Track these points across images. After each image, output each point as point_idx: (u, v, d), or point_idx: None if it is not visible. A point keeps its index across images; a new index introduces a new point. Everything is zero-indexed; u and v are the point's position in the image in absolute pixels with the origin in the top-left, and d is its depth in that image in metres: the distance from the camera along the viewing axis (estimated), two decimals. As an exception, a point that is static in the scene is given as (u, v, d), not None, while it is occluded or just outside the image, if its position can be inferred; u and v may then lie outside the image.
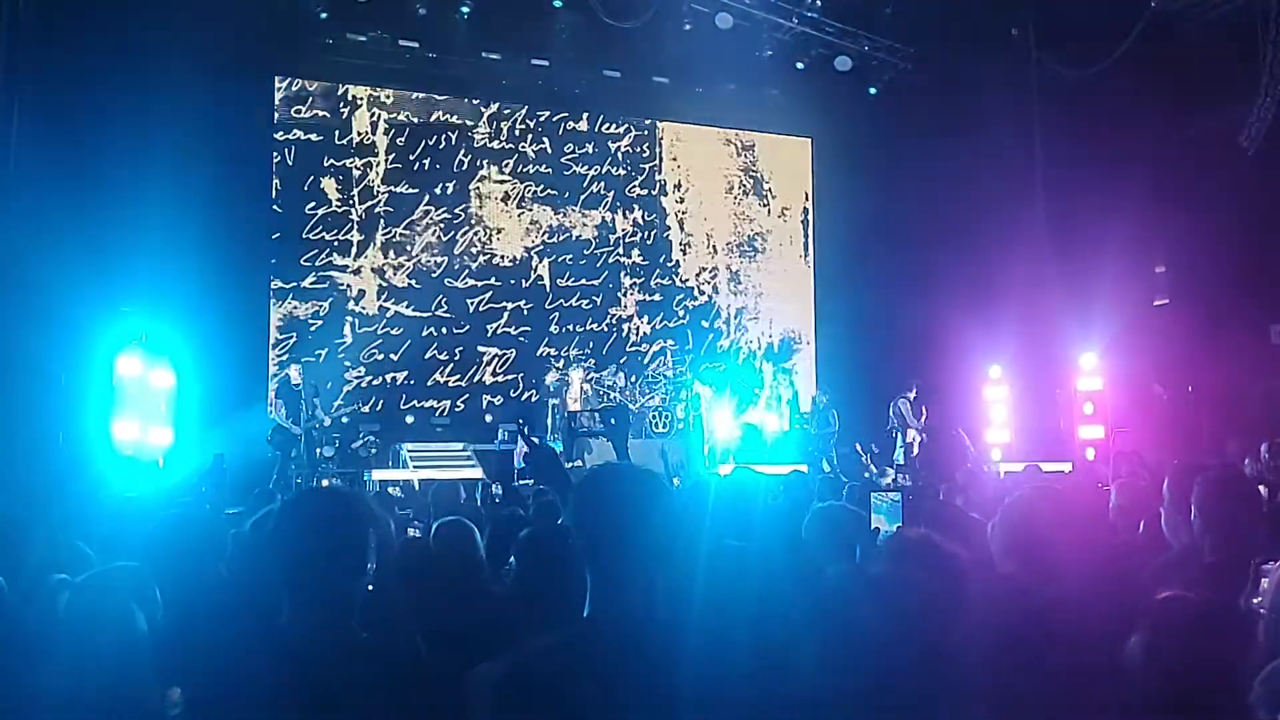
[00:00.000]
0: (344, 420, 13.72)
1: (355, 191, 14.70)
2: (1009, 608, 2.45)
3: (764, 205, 17.17)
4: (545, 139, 15.82)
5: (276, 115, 14.35)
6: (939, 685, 2.09)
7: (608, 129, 16.23)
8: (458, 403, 14.87)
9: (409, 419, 14.29)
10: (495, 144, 15.59)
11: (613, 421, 3.76)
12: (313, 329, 14.21)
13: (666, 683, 1.78)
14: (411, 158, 15.05)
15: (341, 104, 14.75)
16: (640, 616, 1.88)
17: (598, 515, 1.94)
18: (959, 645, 2.16)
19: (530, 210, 15.66)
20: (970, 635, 2.22)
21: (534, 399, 14.43)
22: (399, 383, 14.55)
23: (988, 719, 2.20)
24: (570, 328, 15.64)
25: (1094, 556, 2.68)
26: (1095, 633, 2.25)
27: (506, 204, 15.53)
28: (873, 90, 15.46)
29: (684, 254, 16.64)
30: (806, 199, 17.37)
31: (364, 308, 14.61)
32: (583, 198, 15.96)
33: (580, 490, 2.03)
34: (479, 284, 15.24)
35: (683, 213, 16.67)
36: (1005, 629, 2.36)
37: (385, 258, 14.78)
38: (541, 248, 15.65)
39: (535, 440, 3.49)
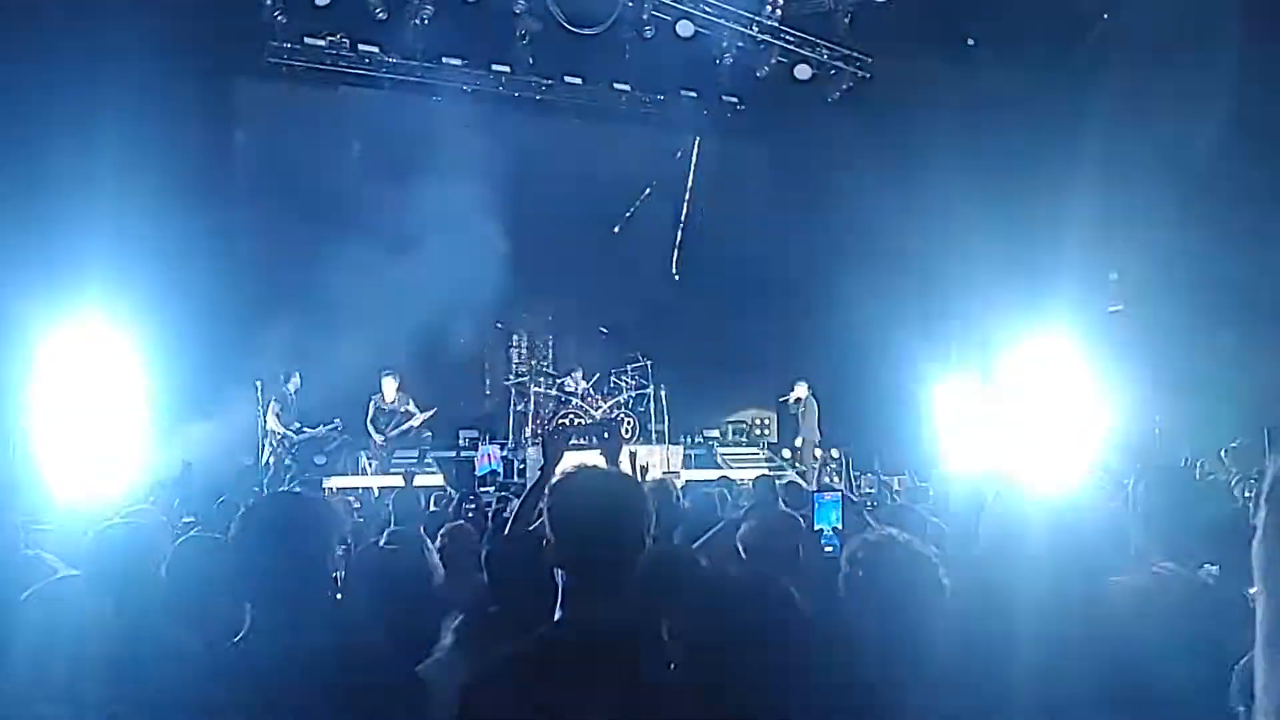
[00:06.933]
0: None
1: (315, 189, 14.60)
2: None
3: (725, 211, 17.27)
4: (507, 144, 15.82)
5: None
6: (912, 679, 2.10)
7: (568, 135, 16.23)
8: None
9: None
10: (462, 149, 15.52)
11: (606, 436, 3.69)
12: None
13: (640, 688, 1.77)
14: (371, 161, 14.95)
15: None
16: (614, 620, 1.86)
17: (573, 517, 1.92)
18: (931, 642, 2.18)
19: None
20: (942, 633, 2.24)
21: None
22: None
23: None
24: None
25: None
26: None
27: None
28: (831, 99, 15.56)
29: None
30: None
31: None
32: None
33: (557, 493, 2.00)
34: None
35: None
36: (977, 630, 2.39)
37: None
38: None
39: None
